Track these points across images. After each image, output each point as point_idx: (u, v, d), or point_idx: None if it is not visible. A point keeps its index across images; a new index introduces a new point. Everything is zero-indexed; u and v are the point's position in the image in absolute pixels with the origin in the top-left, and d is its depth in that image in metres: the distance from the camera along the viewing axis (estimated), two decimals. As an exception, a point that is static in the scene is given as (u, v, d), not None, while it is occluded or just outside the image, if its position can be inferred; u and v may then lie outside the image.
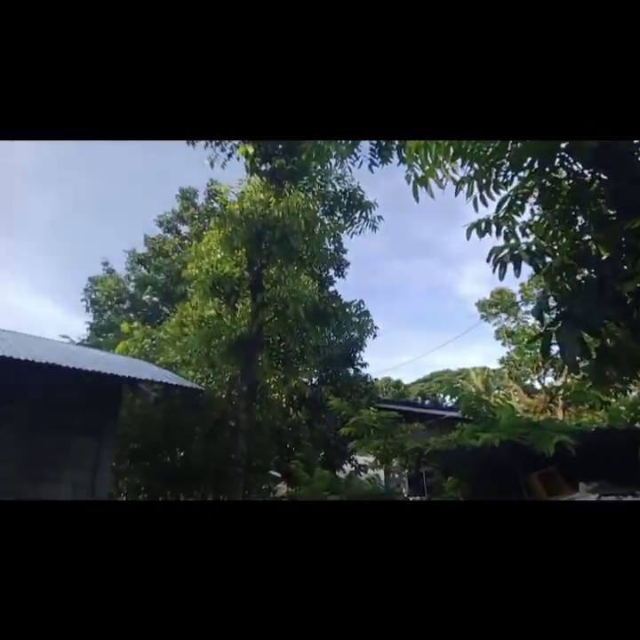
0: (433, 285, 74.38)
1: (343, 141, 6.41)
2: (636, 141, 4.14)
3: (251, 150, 9.19)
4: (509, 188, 5.15)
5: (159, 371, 9.76)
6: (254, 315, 9.18)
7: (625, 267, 4.05)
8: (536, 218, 5.39)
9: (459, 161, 5.08)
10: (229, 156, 9.58)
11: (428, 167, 5.68)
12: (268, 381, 11.23)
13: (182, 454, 11.52)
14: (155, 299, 18.76)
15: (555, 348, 4.62)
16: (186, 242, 18.88)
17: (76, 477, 7.45)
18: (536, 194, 5.13)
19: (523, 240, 5.03)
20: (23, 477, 6.90)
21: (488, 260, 4.75)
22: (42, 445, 7.25)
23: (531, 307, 19.63)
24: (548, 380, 18.31)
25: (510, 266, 4.62)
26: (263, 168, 9.78)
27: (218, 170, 9.91)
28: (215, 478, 10.30)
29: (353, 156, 7.08)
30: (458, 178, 5.34)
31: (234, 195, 9.73)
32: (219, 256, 9.57)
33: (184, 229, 19.96)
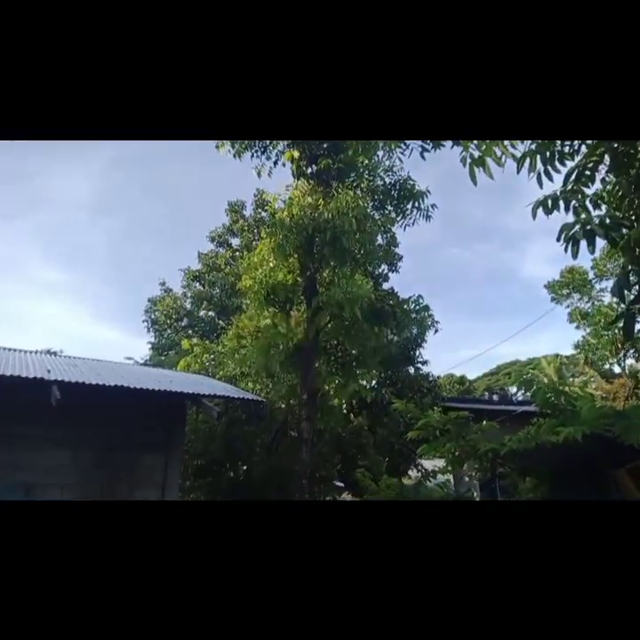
0: (494, 270, 71.17)
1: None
2: None
3: (296, 154, 9.13)
4: (577, 158, 4.70)
5: (220, 384, 9.87)
6: (310, 320, 9.05)
7: None
8: (608, 188, 4.90)
9: (518, 135, 4.71)
10: (275, 163, 9.58)
11: (484, 146, 5.31)
12: (327, 388, 11.05)
13: (245, 468, 11.51)
14: (211, 313, 19.20)
15: (638, 327, 4.14)
16: (237, 254, 19.22)
17: (147, 495, 7.60)
18: (607, 162, 4.64)
19: (595, 213, 4.57)
20: (102, 496, 7.11)
21: (558, 239, 4.34)
22: (115, 465, 7.47)
23: (606, 284, 18.18)
24: (629, 362, 16.88)
25: (583, 243, 4.20)
26: (309, 171, 9.68)
27: (265, 179, 9.92)
28: (279, 491, 10.20)
29: (402, 146, 6.81)
30: (518, 154, 4.94)
31: (282, 202, 9.70)
32: (271, 265, 9.55)
33: (235, 242, 20.36)
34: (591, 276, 18.36)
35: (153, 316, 19.80)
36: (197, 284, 19.96)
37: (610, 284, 18.31)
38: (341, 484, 12.61)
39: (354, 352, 9.83)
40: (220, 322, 17.85)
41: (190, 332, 18.74)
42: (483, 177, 5.18)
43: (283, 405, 11.10)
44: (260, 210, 18.74)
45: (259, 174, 9.69)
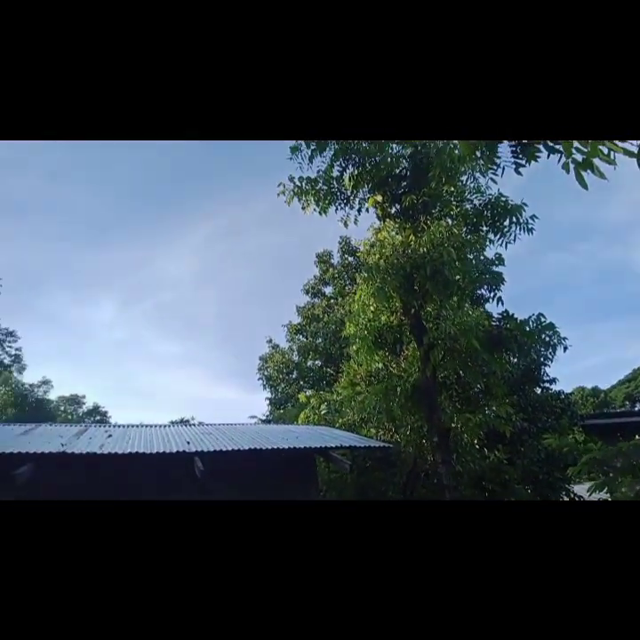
0: (602, 269, 64.76)
1: (480, 154, 5.94)
2: None
3: (379, 198, 9.19)
4: None
5: (344, 435, 9.89)
6: (424, 359, 8.74)
7: None
8: None
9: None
10: (359, 210, 9.71)
11: (588, 148, 4.88)
12: (453, 425, 10.48)
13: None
14: (317, 362, 19.64)
15: None
16: (332, 301, 19.66)
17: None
18: None
19: None
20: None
21: None
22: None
23: None
24: None
25: None
26: (393, 210, 9.66)
27: (350, 225, 10.05)
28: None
29: (494, 167, 6.50)
30: (634, 148, 4.45)
31: (370, 245, 9.74)
32: (372, 308, 9.52)
33: (328, 290, 20.89)
34: None
35: (266, 373, 20.70)
36: (300, 336, 20.61)
37: None
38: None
39: (477, 384, 9.25)
40: (328, 369, 18.11)
41: (301, 383, 19.30)
42: (567, 176, 4.79)
43: (411, 448, 10.71)
44: (346, 256, 19.17)
45: (345, 225, 9.88)
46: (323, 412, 13.21)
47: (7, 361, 25.04)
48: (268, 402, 20.76)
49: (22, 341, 25.68)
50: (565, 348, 8.90)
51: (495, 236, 8.99)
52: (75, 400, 27.25)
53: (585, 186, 4.92)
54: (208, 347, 65.12)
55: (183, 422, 11.29)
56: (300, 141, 8.45)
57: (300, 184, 9.19)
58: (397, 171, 9.21)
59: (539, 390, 14.45)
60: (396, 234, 9.40)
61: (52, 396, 25.87)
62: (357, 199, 9.82)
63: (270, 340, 21.77)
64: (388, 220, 9.66)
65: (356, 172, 9.15)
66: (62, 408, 26.27)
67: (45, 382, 25.36)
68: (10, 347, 25.12)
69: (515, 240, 8.81)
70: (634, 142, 4.79)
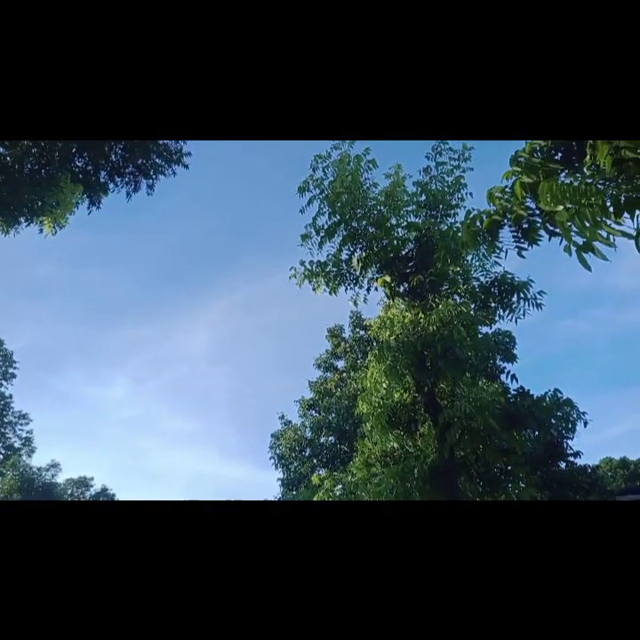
0: (617, 335, 64.52)
1: (482, 239, 6.19)
2: None
3: (388, 279, 9.48)
4: None
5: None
6: (440, 438, 8.52)
7: None
8: None
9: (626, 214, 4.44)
10: (368, 290, 10.00)
11: (588, 233, 5.07)
12: (475, 505, 9.95)
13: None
14: (331, 439, 19.17)
15: None
16: (345, 375, 19.59)
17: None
18: None
19: None
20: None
21: None
22: None
23: None
24: None
25: None
26: (401, 289, 9.92)
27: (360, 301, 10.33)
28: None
29: (497, 251, 6.76)
30: (632, 230, 4.63)
31: (383, 322, 9.91)
32: (385, 385, 9.47)
33: (340, 364, 20.88)
34: None
35: (278, 451, 20.14)
36: (313, 411, 20.30)
37: None
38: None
39: (498, 464, 8.91)
40: (343, 447, 17.65)
41: (315, 461, 18.72)
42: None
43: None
44: (357, 330, 19.43)
45: (355, 303, 10.14)
46: (337, 495, 12.71)
47: (17, 444, 24.82)
48: (280, 482, 20.01)
49: (35, 422, 25.69)
50: (586, 423, 8.65)
51: (504, 311, 9.09)
52: (83, 483, 26.61)
53: (588, 267, 5.05)
54: (219, 423, 64.50)
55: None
56: (310, 229, 8.93)
57: (310, 267, 9.57)
58: (404, 252, 9.58)
59: (563, 464, 13.92)
60: (406, 311, 9.58)
61: (61, 478, 25.41)
62: (366, 279, 10.15)
63: (282, 416, 21.44)
64: (396, 298, 9.89)
65: (363, 254, 9.54)
66: (69, 491, 25.54)
67: (54, 465, 24.99)
68: (21, 430, 25.07)
69: (524, 315, 8.90)
70: (631, 225, 4.99)
